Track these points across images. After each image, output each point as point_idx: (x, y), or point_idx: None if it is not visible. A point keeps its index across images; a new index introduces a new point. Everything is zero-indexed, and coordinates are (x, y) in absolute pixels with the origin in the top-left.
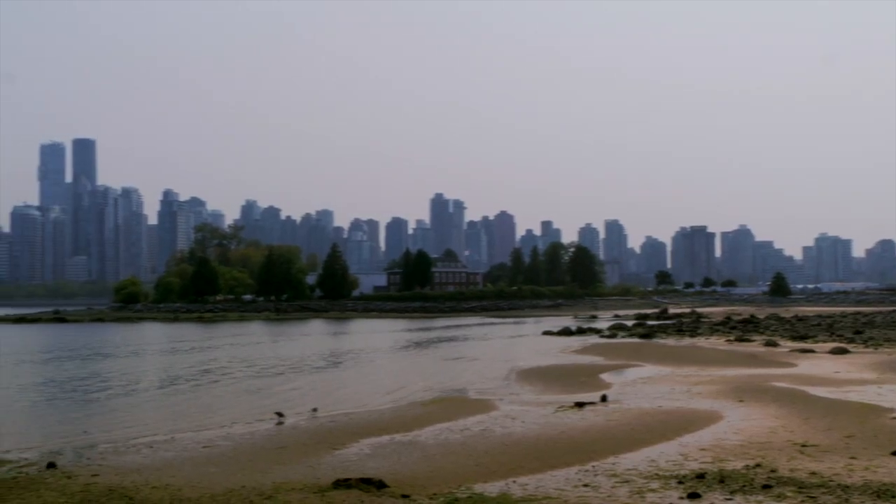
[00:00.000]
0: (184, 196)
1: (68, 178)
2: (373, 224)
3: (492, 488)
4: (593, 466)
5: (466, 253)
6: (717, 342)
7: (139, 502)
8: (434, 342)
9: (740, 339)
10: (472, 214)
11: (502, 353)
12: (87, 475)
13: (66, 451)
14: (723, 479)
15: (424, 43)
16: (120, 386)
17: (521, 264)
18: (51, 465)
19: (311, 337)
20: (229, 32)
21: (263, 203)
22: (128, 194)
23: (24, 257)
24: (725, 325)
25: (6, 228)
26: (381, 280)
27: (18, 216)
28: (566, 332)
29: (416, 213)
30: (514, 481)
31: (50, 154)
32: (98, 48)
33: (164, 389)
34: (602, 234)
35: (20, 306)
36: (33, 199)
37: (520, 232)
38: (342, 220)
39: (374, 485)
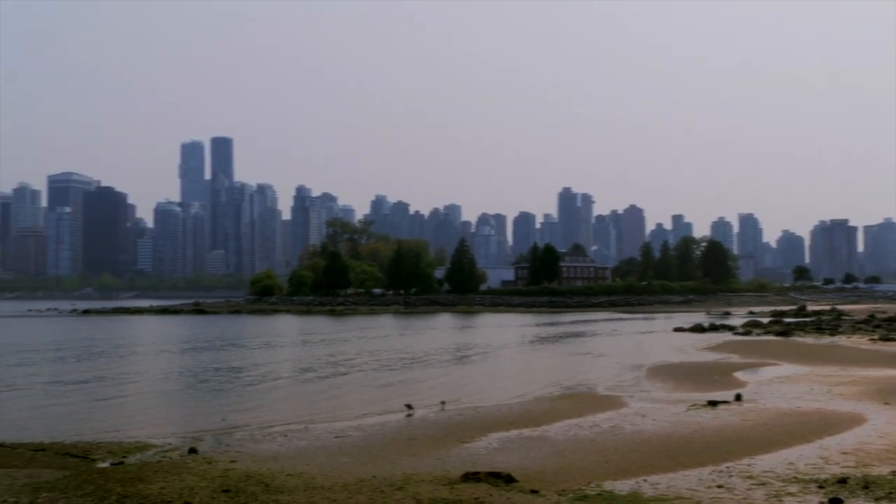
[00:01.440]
0: (316, 192)
1: (207, 175)
2: (500, 218)
3: (622, 486)
4: (727, 467)
5: (595, 247)
6: (859, 341)
7: (275, 489)
8: (562, 337)
9: (885, 339)
10: (601, 208)
11: (631, 350)
12: (225, 461)
13: (205, 437)
14: (867, 484)
15: (558, 41)
16: (255, 376)
17: (650, 259)
18: (192, 451)
19: (439, 331)
20: (356, 31)
21: (393, 198)
22: (263, 190)
23: (166, 251)
24: (868, 324)
25: (150, 224)
26: (509, 274)
27: (161, 212)
28: (698, 328)
29: (544, 207)
30: (645, 480)
31: (190, 152)
32: (233, 49)
33: (296, 380)
34: (736, 228)
35: (163, 298)
36: (175, 195)
37: (649, 226)
38: (470, 215)
39: (502, 479)
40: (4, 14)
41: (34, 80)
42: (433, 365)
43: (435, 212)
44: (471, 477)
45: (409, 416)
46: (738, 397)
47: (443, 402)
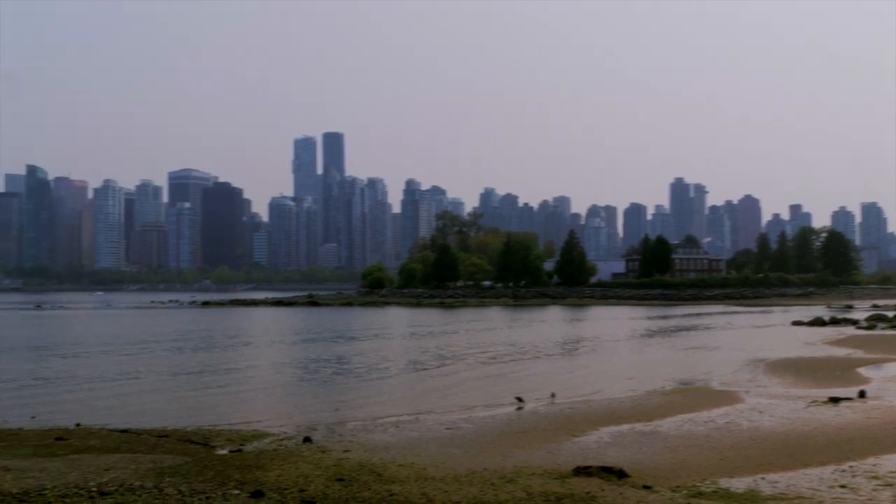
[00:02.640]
0: (425, 185)
1: (319, 170)
2: (610, 210)
3: (738, 484)
4: (851, 467)
5: (708, 239)
6: None
7: (387, 479)
8: (674, 331)
9: None
10: (714, 199)
11: (747, 344)
12: (339, 450)
13: (319, 427)
14: None
15: (672, 39)
16: (366, 367)
17: (767, 250)
18: (307, 440)
19: (548, 323)
20: (465, 25)
21: (501, 191)
22: (373, 184)
23: (280, 245)
24: None
25: (265, 218)
26: (620, 267)
27: (276, 207)
28: (818, 322)
29: (655, 198)
30: (763, 478)
31: (303, 148)
32: (344, 45)
33: (406, 372)
34: (858, 218)
35: (278, 290)
36: (288, 190)
37: (766, 216)
38: (579, 207)
39: (614, 473)
40: (132, 16)
41: (156, 82)
42: (542, 358)
43: (544, 204)
44: (582, 471)
45: (519, 408)
46: (862, 394)
47: (553, 395)
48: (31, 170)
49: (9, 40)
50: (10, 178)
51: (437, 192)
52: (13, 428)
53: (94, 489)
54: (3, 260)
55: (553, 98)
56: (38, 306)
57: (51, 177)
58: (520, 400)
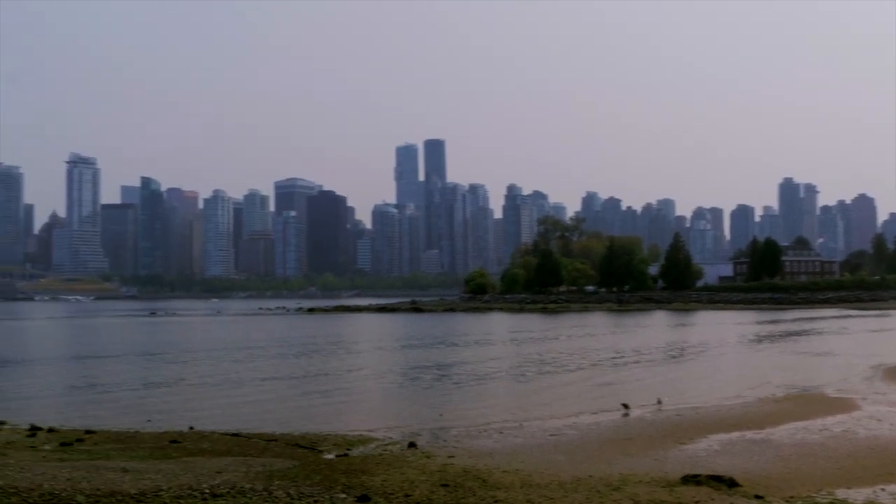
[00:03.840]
0: (527, 190)
1: (421, 176)
2: (716, 212)
3: (856, 495)
4: None
5: (820, 240)
6: None
7: (492, 485)
8: (785, 335)
9: None
10: (826, 199)
11: (864, 349)
12: (443, 456)
13: (423, 432)
14: None
15: (776, 41)
16: (468, 373)
17: (884, 251)
18: (412, 445)
19: (653, 328)
20: (562, 31)
21: (604, 194)
22: (475, 190)
23: (384, 252)
24: None
25: (368, 225)
26: (727, 270)
27: (379, 214)
28: None
29: (763, 199)
30: (883, 489)
31: (404, 155)
32: (443, 52)
33: (509, 378)
34: None
35: (381, 297)
36: (391, 197)
37: (881, 216)
38: (684, 209)
39: (724, 483)
40: (253, 26)
41: (261, 94)
42: (648, 363)
43: (648, 207)
44: (691, 479)
45: (624, 415)
46: None
47: (659, 402)
48: (146, 182)
49: (127, 59)
50: (125, 190)
51: (538, 196)
52: (130, 431)
53: (206, 491)
54: (121, 269)
55: (655, 101)
56: (153, 313)
57: (163, 188)
58: (625, 406)
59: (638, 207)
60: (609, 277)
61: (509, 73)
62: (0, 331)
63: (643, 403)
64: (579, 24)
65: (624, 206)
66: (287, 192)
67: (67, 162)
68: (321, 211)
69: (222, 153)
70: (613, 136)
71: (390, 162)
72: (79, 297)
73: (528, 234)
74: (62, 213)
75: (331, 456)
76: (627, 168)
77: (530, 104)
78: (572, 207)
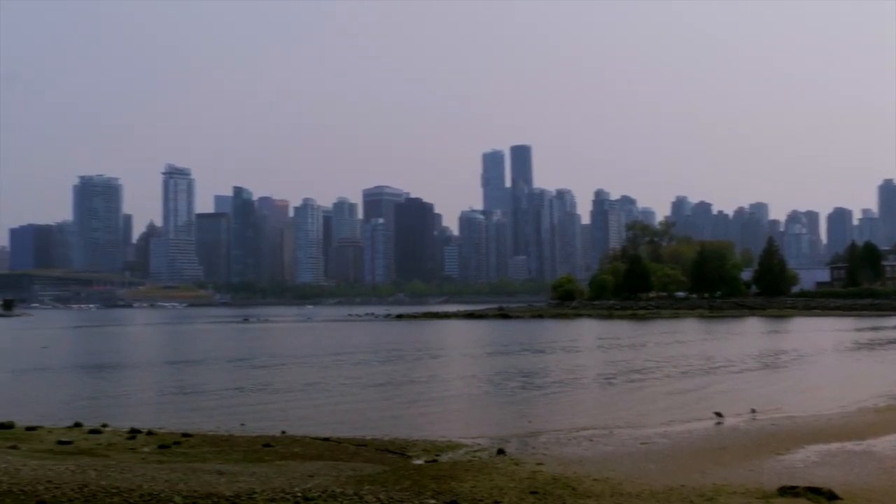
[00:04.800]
0: (615, 195)
1: (507, 183)
2: (812, 215)
3: None
4: None
5: None
6: None
7: (581, 493)
8: (886, 343)
9: None
10: None
11: None
12: (532, 463)
13: (512, 439)
14: None
15: (869, 43)
16: (556, 380)
17: None
18: (500, 452)
19: (746, 335)
20: (641, 34)
21: (694, 198)
22: (562, 196)
23: (471, 258)
24: None
25: (456, 232)
26: (824, 275)
27: (465, 220)
28: None
29: (862, 201)
30: None
31: (491, 162)
32: (530, 59)
33: (598, 385)
34: None
35: (468, 303)
36: (477, 204)
37: None
38: (778, 213)
39: (823, 495)
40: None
41: (349, 102)
42: (741, 371)
43: (740, 211)
44: (788, 491)
45: (717, 424)
46: None
47: (753, 411)
48: (238, 191)
49: (219, 70)
50: (219, 200)
51: (626, 201)
52: (225, 434)
53: (299, 494)
54: (214, 276)
55: (745, 105)
56: (246, 320)
57: (255, 197)
58: (718, 415)
59: (730, 211)
60: (700, 283)
61: (596, 79)
62: (102, 337)
63: (737, 412)
64: (668, 32)
65: (715, 210)
66: (375, 199)
67: (164, 173)
68: (409, 218)
69: (311, 162)
70: (703, 140)
71: (477, 168)
72: (174, 304)
73: (616, 240)
74: (159, 222)
75: (420, 461)
76: (718, 172)
77: (618, 109)
78: (661, 212)
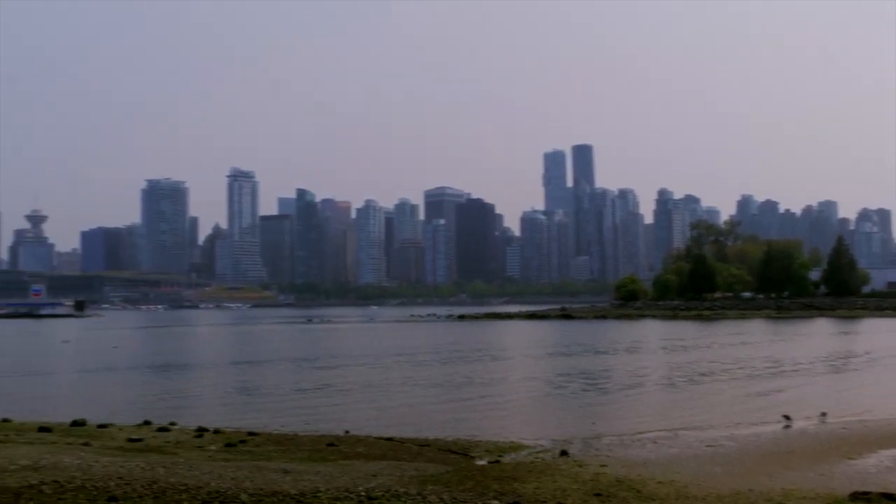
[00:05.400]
0: (678, 194)
1: (569, 182)
2: (883, 213)
3: None
4: None
5: None
6: None
7: (646, 496)
8: None
9: None
10: None
11: None
12: (595, 465)
13: (575, 440)
14: None
15: None
16: (620, 381)
17: None
18: (563, 453)
19: (815, 336)
20: (700, 32)
21: (760, 197)
22: (624, 195)
23: (532, 258)
24: None
25: (517, 232)
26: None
27: (527, 220)
28: None
29: None
30: None
31: (552, 161)
32: (588, 58)
33: (661, 386)
34: None
35: (530, 304)
36: (539, 204)
37: None
38: (848, 211)
39: None
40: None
41: (410, 104)
42: (809, 373)
43: (808, 209)
44: (860, 497)
45: (786, 427)
46: None
47: (823, 414)
48: (301, 193)
49: (280, 71)
50: (282, 202)
51: (690, 200)
52: (290, 433)
53: (362, 493)
54: (278, 277)
55: (812, 102)
56: (309, 320)
57: (317, 199)
58: (787, 418)
59: (797, 210)
60: (767, 283)
61: (658, 77)
62: (169, 337)
63: (806, 415)
64: (733, 31)
65: (782, 208)
66: (436, 200)
67: (228, 176)
68: (470, 219)
69: (373, 163)
70: (770, 138)
71: (538, 168)
72: (239, 305)
73: (680, 239)
74: (224, 224)
75: (483, 462)
76: (785, 169)
77: (681, 108)
78: (727, 211)
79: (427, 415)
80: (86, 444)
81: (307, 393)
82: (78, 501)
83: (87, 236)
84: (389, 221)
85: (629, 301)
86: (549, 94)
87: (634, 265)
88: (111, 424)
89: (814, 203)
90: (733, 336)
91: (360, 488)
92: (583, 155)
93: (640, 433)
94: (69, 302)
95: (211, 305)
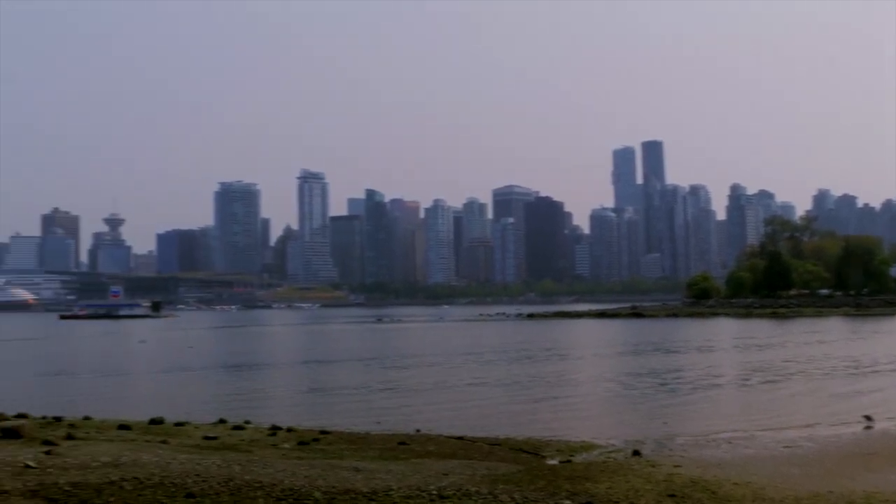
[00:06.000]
0: (752, 190)
1: (639, 179)
2: None
3: None
4: None
5: None
6: None
7: (722, 497)
8: None
9: None
10: None
11: None
12: (669, 465)
13: (647, 440)
14: None
15: None
16: (693, 380)
17: None
18: (636, 453)
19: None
20: (783, 31)
21: (837, 191)
22: (695, 191)
23: (602, 256)
24: None
25: (586, 230)
26: None
27: (596, 218)
28: None
29: None
30: None
31: (621, 158)
32: (658, 55)
33: (735, 386)
34: None
35: (600, 302)
36: (608, 201)
37: None
38: None
39: None
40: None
41: (477, 102)
42: (890, 373)
43: (888, 203)
44: None
45: (867, 428)
46: None
47: None
48: (370, 193)
49: (350, 73)
50: (351, 202)
51: (764, 196)
52: (361, 432)
53: (434, 492)
54: (348, 277)
55: (889, 93)
56: (379, 320)
57: (386, 199)
58: (868, 419)
59: (876, 204)
60: (845, 280)
61: (728, 70)
62: (242, 337)
63: (890, 416)
64: (805, 24)
65: (860, 202)
66: (505, 199)
67: (298, 177)
68: (539, 217)
69: (441, 163)
70: (846, 131)
71: (607, 165)
72: (310, 305)
73: (753, 236)
74: (295, 225)
75: (554, 462)
76: (863, 163)
77: (752, 102)
78: (802, 206)
79: (497, 414)
80: (163, 442)
81: (377, 392)
82: (157, 498)
83: (162, 238)
84: (458, 221)
85: (701, 299)
86: (618, 91)
87: (707, 262)
88: (187, 422)
89: (894, 197)
90: (810, 334)
91: (432, 487)
92: (653, 151)
93: (715, 433)
94: (146, 303)
95: (283, 305)
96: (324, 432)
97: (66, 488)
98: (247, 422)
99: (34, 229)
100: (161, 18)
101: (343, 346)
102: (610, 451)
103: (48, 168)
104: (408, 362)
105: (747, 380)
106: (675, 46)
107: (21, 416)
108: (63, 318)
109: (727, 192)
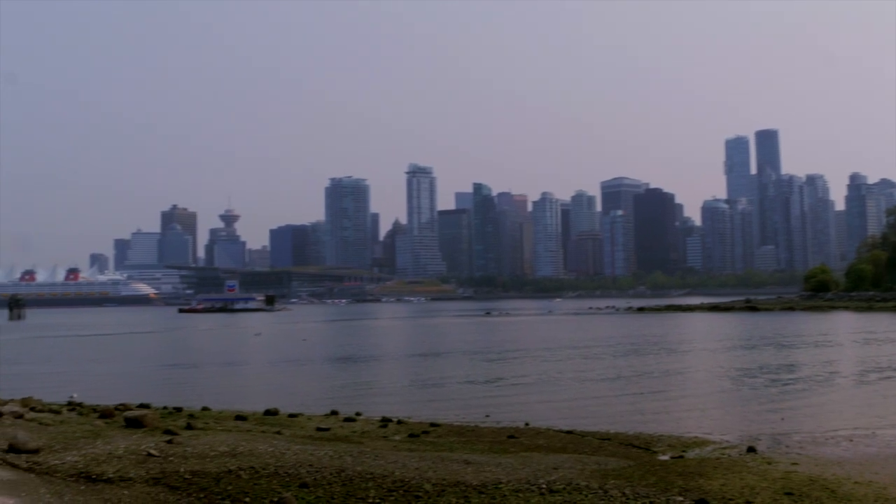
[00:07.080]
0: (872, 178)
1: (752, 169)
2: None
3: None
4: None
5: None
6: None
7: (842, 497)
8: None
9: None
10: None
11: None
12: (786, 462)
13: (762, 437)
14: None
15: None
16: (811, 376)
17: None
18: (751, 450)
19: None
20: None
21: None
22: (812, 181)
23: (715, 249)
24: None
25: (698, 222)
26: None
27: (708, 210)
28: None
29: None
30: None
31: (734, 148)
32: (772, 43)
33: (856, 381)
34: None
35: (712, 295)
36: (721, 192)
37: None
38: None
39: None
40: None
41: (588, 96)
42: None
43: None
44: None
45: None
46: None
47: None
48: (477, 187)
49: (461, 69)
50: (459, 196)
51: (886, 185)
52: (470, 425)
53: (543, 486)
54: (456, 271)
55: None
56: (487, 313)
57: (494, 193)
58: None
59: None
60: None
61: (846, 61)
62: (353, 330)
63: None
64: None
65: None
66: (614, 191)
67: (407, 172)
68: (648, 209)
69: (549, 156)
70: None
71: (719, 156)
72: (419, 299)
73: (875, 226)
74: (404, 220)
75: (665, 457)
76: None
77: (870, 88)
78: None
79: (606, 408)
80: (278, 433)
81: (486, 385)
82: (272, 487)
83: (275, 234)
84: (566, 214)
85: (819, 292)
86: (729, 80)
87: (825, 255)
88: (300, 414)
89: None
90: None
91: (541, 481)
92: (767, 140)
93: (834, 430)
94: (260, 297)
95: (392, 299)
96: (434, 425)
97: (186, 476)
98: (358, 413)
99: (154, 226)
100: (276, 19)
101: (452, 339)
102: (724, 448)
103: (168, 167)
104: (516, 355)
105: (867, 376)
106: (791, 34)
107: (144, 406)
108: (182, 311)
109: (846, 181)
